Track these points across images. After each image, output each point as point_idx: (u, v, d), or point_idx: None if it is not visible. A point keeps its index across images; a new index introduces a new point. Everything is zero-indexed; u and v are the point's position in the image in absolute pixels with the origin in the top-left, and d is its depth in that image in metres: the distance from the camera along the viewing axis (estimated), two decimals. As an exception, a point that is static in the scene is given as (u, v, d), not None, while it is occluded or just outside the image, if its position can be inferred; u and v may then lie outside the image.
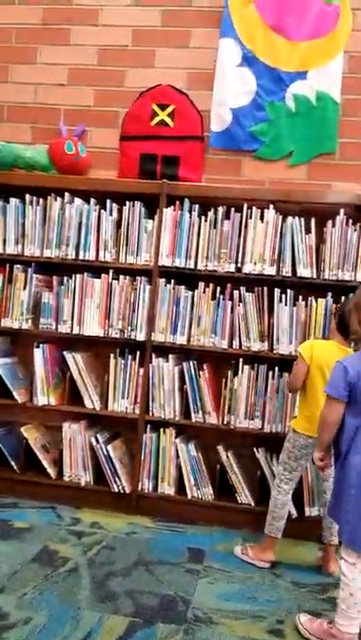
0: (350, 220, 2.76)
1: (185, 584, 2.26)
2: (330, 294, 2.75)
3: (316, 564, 2.51)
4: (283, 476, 2.47)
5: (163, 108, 3.14)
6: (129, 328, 2.92)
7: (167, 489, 2.90)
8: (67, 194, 2.99)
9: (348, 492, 1.84)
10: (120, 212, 2.96)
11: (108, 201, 2.95)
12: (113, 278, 2.94)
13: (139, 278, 2.92)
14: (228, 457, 2.84)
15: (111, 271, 2.94)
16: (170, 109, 3.14)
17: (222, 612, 2.08)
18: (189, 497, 2.87)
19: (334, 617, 1.92)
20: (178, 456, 2.88)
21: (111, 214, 2.95)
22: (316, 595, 2.26)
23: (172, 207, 2.89)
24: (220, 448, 2.86)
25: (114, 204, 2.96)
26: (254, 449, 2.83)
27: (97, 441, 2.89)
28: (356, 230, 2.74)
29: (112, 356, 2.96)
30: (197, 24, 3.12)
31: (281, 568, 2.47)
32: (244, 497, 2.84)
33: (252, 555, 2.49)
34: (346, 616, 1.87)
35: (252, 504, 2.83)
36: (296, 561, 2.55)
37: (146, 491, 2.92)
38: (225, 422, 2.86)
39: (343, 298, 2.72)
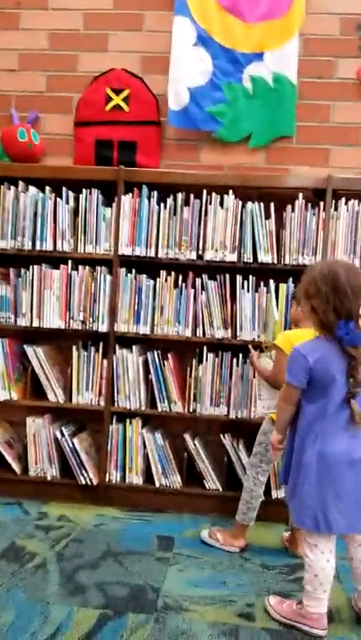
0: (309, 205, 2.76)
1: (155, 573, 2.26)
2: (291, 279, 2.76)
3: (283, 545, 2.55)
4: (260, 468, 2.47)
5: (117, 92, 3.08)
6: (90, 319, 2.88)
7: (135, 479, 2.89)
8: (21, 182, 2.91)
9: (308, 477, 1.85)
10: (77, 200, 2.90)
11: (64, 189, 2.88)
12: (72, 269, 2.88)
13: (99, 268, 2.88)
14: (195, 444, 2.84)
15: (70, 261, 2.88)
16: (125, 94, 3.07)
17: (192, 598, 2.09)
18: (157, 486, 2.87)
19: (303, 598, 1.95)
20: (145, 446, 2.87)
21: (67, 203, 2.88)
22: (285, 576, 2.29)
23: (131, 194, 2.85)
24: (187, 436, 2.86)
25: (70, 192, 2.89)
26: (221, 435, 2.84)
27: (62, 434, 2.85)
28: (315, 215, 2.75)
29: (74, 348, 2.91)
30: (151, 7, 3.05)
31: (250, 551, 2.49)
32: (212, 483, 2.86)
33: (222, 540, 2.50)
34: (313, 597, 1.91)
35: (221, 489, 2.85)
36: (265, 544, 2.57)
37: (113, 482, 2.90)
38: (191, 410, 2.86)
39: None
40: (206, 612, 2.00)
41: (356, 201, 2.74)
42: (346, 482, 1.82)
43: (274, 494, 2.77)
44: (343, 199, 2.74)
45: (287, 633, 1.90)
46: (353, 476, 1.83)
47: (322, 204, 2.74)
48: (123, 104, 3.09)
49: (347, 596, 2.11)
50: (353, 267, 1.91)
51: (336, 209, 2.74)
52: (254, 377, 2.73)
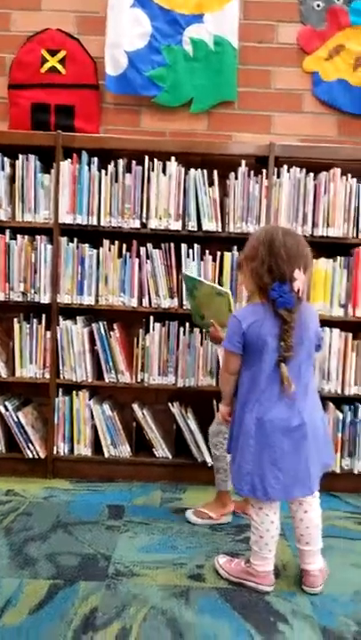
0: (252, 172, 2.76)
1: (105, 541, 2.27)
2: (235, 248, 2.77)
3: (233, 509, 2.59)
4: (224, 434, 2.39)
5: (53, 53, 2.96)
6: (32, 290, 2.80)
7: (84, 450, 2.88)
8: None
9: (247, 444, 1.87)
10: (13, 166, 2.78)
11: (0, 155, 2.77)
12: (10, 238, 2.78)
13: (38, 237, 2.79)
14: (143, 414, 2.85)
15: (8, 231, 2.78)
16: (61, 55, 2.96)
17: (143, 563, 2.11)
18: (107, 456, 2.87)
19: (250, 556, 2.00)
20: (93, 417, 2.85)
21: (3, 169, 2.77)
22: (234, 536, 2.35)
23: (70, 160, 2.76)
24: (136, 406, 2.86)
25: (5, 158, 2.77)
26: (169, 404, 2.85)
27: (6, 409, 2.79)
28: (257, 182, 2.75)
29: (16, 320, 2.84)
30: None
31: (199, 515, 2.54)
32: (162, 451, 2.88)
33: (216, 515, 2.46)
34: (259, 556, 1.96)
35: (170, 457, 2.88)
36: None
37: (62, 454, 2.88)
38: (139, 380, 2.85)
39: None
40: (157, 575, 2.03)
41: (298, 168, 2.75)
42: (282, 449, 1.85)
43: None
44: (285, 166, 2.75)
45: (236, 591, 1.96)
46: (290, 443, 1.85)
47: (264, 171, 2.74)
48: (59, 66, 2.97)
49: (292, 552, 2.19)
50: (292, 232, 1.92)
51: (279, 176, 2.75)
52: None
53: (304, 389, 1.89)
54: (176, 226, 2.77)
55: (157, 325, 2.83)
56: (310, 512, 1.97)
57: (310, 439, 1.88)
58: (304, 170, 2.75)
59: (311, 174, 2.76)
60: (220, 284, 2.76)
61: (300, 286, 1.80)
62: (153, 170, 2.75)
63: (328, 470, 2.05)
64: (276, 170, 2.74)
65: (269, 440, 1.85)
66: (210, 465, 2.77)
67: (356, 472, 2.79)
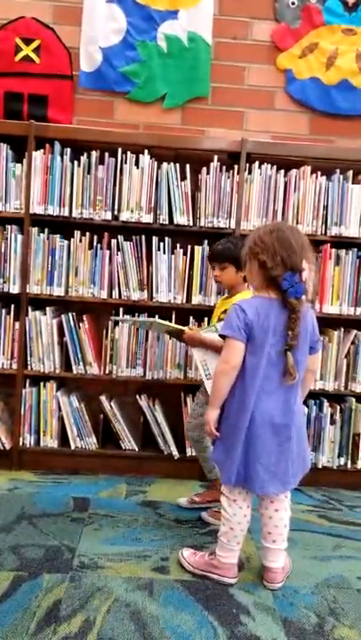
0: (224, 168, 2.78)
1: (70, 533, 2.26)
2: (206, 242, 2.78)
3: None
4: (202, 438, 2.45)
5: (27, 42, 2.92)
6: (1, 280, 2.77)
7: (50, 442, 2.86)
8: None
9: (235, 433, 1.86)
10: (-16, 155, 2.75)
11: (-29, 143, 2.73)
12: (-20, 227, 2.76)
13: (9, 227, 2.76)
14: (111, 406, 2.85)
15: (-22, 220, 2.75)
16: (35, 44, 2.92)
17: (108, 555, 2.11)
18: (73, 448, 2.86)
19: (215, 549, 2.02)
20: (60, 409, 2.84)
21: (-25, 157, 2.73)
22: (198, 530, 2.37)
23: (42, 150, 2.73)
24: (103, 398, 2.86)
25: (-23, 147, 2.74)
26: (137, 396, 2.86)
27: (-28, 399, 2.77)
28: (229, 178, 2.77)
29: (-16, 310, 2.81)
30: None
31: (164, 507, 2.55)
32: (128, 443, 2.88)
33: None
34: (226, 548, 1.98)
35: (137, 449, 2.88)
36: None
37: (27, 445, 2.86)
38: (107, 372, 2.85)
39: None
40: (121, 567, 2.04)
41: (269, 165, 2.78)
42: (267, 445, 1.86)
43: (188, 452, 2.84)
44: (257, 163, 2.77)
45: (200, 583, 1.97)
46: (275, 440, 1.86)
47: (236, 167, 2.76)
48: (33, 55, 2.93)
49: (256, 545, 2.22)
50: (295, 227, 1.97)
51: (250, 172, 2.78)
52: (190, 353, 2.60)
53: (296, 388, 1.90)
54: (148, 219, 2.77)
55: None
56: (281, 511, 1.98)
57: (294, 440, 1.89)
58: (275, 167, 2.78)
59: (282, 171, 2.79)
60: (191, 277, 2.78)
61: (307, 276, 1.83)
62: (126, 162, 2.75)
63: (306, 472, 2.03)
64: (247, 166, 2.77)
65: (257, 433, 1.85)
66: (176, 457, 2.80)
67: (320, 466, 2.85)
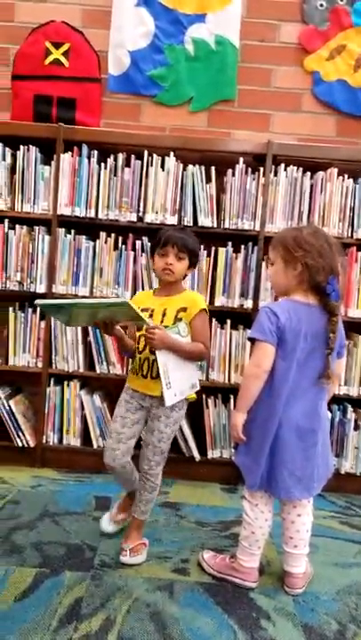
0: (249, 170, 2.77)
1: (91, 532, 2.28)
2: (230, 244, 2.78)
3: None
4: (163, 464, 2.23)
5: (57, 46, 2.96)
6: (28, 280, 2.81)
7: (73, 441, 2.89)
8: None
9: (264, 437, 1.85)
10: (14, 157, 2.79)
11: (1, 145, 2.77)
12: (9, 228, 2.79)
13: (37, 228, 2.80)
14: (133, 407, 2.85)
15: (7, 220, 2.79)
16: (65, 48, 2.96)
17: (129, 555, 2.13)
18: (95, 447, 2.88)
19: (236, 552, 2.01)
20: (83, 408, 2.87)
21: (4, 159, 2.77)
22: (219, 532, 2.37)
23: (70, 153, 2.77)
24: (126, 398, 2.87)
25: (7, 149, 2.78)
26: (159, 397, 2.86)
27: (-2, 397, 2.81)
28: (254, 180, 2.77)
29: (11, 309, 2.84)
30: None
31: (185, 509, 2.56)
32: (150, 444, 2.88)
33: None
34: (247, 552, 1.97)
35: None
36: (200, 502, 2.64)
37: (51, 444, 2.89)
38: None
39: (243, 247, 2.77)
40: (142, 568, 2.05)
41: (295, 167, 2.76)
42: (293, 450, 1.85)
43: (210, 454, 2.83)
44: (283, 165, 2.76)
45: (220, 586, 1.97)
46: (301, 446, 1.85)
47: (262, 169, 2.75)
48: (62, 59, 2.97)
49: (277, 549, 2.20)
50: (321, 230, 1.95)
51: (276, 174, 2.77)
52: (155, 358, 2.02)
53: (324, 393, 1.89)
54: (172, 220, 2.78)
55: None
56: (303, 516, 1.97)
57: (320, 446, 1.89)
58: (301, 169, 2.77)
59: (308, 173, 2.77)
60: (214, 278, 2.78)
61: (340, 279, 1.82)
62: (152, 165, 2.76)
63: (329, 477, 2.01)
64: (273, 168, 2.76)
65: (284, 437, 1.84)
66: (197, 459, 2.80)
67: (343, 472, 2.82)
